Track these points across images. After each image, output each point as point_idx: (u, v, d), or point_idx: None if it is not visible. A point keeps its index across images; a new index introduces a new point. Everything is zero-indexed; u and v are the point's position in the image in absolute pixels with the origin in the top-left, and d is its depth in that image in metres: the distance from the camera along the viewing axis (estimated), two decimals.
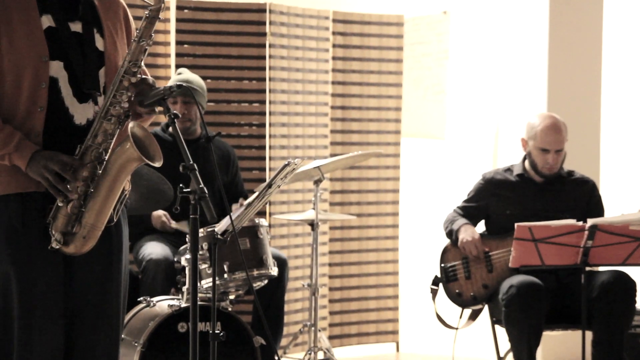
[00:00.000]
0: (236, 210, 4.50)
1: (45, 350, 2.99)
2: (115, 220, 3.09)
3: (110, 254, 3.10)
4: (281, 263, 4.91)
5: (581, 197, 4.82)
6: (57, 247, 2.98)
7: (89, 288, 3.07)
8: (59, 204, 2.98)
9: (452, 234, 4.81)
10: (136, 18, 3.13)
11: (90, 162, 2.98)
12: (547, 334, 4.77)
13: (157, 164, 3.01)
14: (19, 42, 2.98)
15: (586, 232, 4.35)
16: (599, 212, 4.81)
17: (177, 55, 5.71)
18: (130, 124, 2.97)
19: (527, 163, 4.83)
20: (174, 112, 3.05)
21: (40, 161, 2.95)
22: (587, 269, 4.45)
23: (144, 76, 3.03)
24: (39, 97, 2.98)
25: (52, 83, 3.01)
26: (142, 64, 3.03)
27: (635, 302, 4.53)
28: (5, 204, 3.01)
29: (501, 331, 4.58)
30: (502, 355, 4.65)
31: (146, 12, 3.01)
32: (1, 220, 3.00)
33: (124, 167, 2.98)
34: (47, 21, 3.03)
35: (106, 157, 2.99)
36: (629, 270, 4.58)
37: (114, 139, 3.01)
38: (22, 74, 2.98)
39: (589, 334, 4.49)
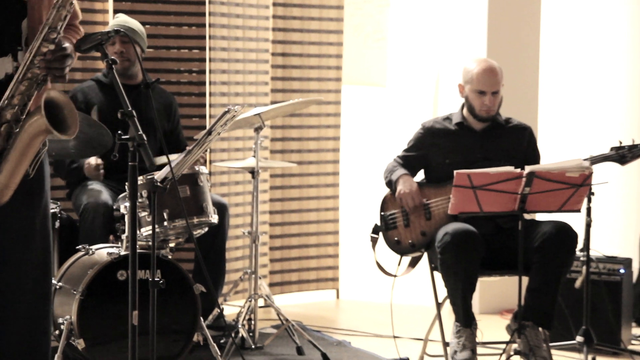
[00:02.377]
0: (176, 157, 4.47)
1: None
2: (31, 175, 3.05)
3: (30, 207, 3.06)
4: (221, 209, 4.89)
5: (519, 143, 4.86)
6: None
7: (8, 243, 3.03)
8: None
9: (391, 185, 4.83)
10: None
11: (6, 122, 2.93)
12: (483, 280, 4.83)
13: (69, 137, 2.97)
14: None
15: (524, 179, 4.39)
16: (535, 158, 4.86)
17: (116, 0, 5.62)
18: (46, 95, 2.91)
19: (465, 110, 4.85)
20: (112, 57, 3.02)
21: None
22: (525, 215, 4.50)
23: (64, 45, 2.97)
24: None
25: None
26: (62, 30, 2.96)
27: (575, 253, 4.59)
28: None
29: (439, 278, 4.63)
30: (440, 301, 4.71)
31: None
32: None
33: (35, 136, 2.95)
34: None
35: (23, 117, 2.95)
36: (570, 220, 4.64)
37: (32, 100, 2.96)
38: None
39: (525, 280, 4.56)
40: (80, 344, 4.18)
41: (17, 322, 3.07)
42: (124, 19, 5.02)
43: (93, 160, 4.85)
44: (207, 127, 4.36)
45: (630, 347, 5.21)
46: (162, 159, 4.64)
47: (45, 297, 3.12)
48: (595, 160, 4.73)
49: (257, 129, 4.94)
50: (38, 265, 3.09)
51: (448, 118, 4.91)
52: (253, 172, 4.96)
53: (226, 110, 4.18)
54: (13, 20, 2.99)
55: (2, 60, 2.99)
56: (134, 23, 5.03)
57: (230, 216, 5.18)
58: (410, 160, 4.89)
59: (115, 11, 5.48)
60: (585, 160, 4.58)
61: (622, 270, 5.23)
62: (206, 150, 4.68)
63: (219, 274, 5.06)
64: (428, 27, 6.52)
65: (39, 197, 3.09)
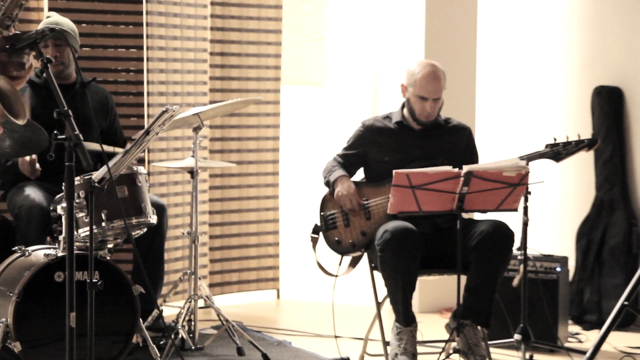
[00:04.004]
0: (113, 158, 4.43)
1: None
2: None
3: None
4: (160, 209, 4.86)
5: (458, 143, 4.90)
6: None
7: None
8: None
9: (329, 185, 4.84)
10: None
11: None
12: (423, 279, 4.85)
13: (21, 122, 2.93)
14: None
15: (462, 179, 4.42)
16: (474, 158, 4.91)
17: None
18: None
19: (405, 110, 4.87)
20: (47, 56, 2.98)
21: None
22: (463, 215, 4.53)
23: (17, 32, 2.93)
24: None
25: None
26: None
27: (511, 252, 4.63)
28: None
29: (379, 277, 4.64)
30: (380, 301, 4.72)
31: None
32: None
33: None
34: None
35: None
36: (507, 219, 4.69)
37: None
38: None
39: (464, 279, 4.59)
40: (16, 346, 4.12)
41: None
42: (55, 20, 4.94)
43: (27, 157, 4.78)
44: (145, 127, 4.32)
45: (566, 345, 5.28)
46: (90, 145, 4.56)
47: None
48: (531, 157, 4.78)
49: (196, 129, 4.91)
50: None
51: (388, 117, 4.93)
52: (192, 172, 4.93)
53: (164, 109, 4.15)
54: None
55: None
56: (66, 23, 4.95)
57: (169, 217, 5.15)
58: (349, 158, 4.90)
59: (50, 9, 5.41)
60: (520, 158, 4.63)
61: (558, 269, 5.29)
62: (144, 150, 4.64)
63: (158, 274, 5.03)
64: (366, 27, 6.55)
65: None
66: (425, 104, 4.76)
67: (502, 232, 4.59)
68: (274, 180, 6.31)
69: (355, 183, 4.83)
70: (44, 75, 2.98)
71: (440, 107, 4.82)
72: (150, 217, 4.54)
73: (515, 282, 5.07)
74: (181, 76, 5.86)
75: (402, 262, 4.50)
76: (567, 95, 6.32)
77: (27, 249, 4.38)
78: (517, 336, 4.87)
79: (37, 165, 4.78)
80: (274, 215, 6.32)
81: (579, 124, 6.14)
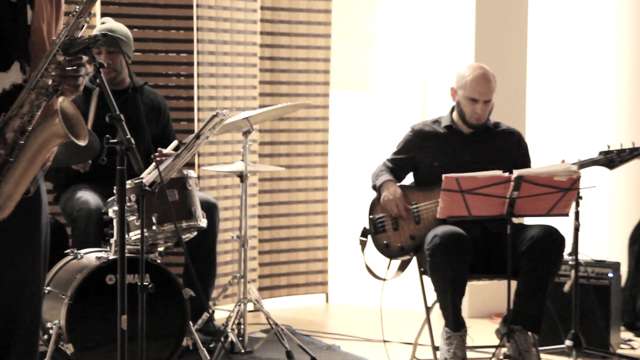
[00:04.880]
0: (164, 161, 4.46)
1: None
2: (32, 192, 3.04)
3: (28, 227, 3.05)
4: (211, 208, 4.88)
5: (508, 148, 4.87)
6: None
7: (5, 263, 3.02)
8: None
9: (376, 190, 4.84)
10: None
11: (12, 132, 2.92)
12: (473, 284, 4.82)
13: (82, 143, 2.96)
14: None
15: (512, 183, 4.39)
16: (527, 162, 4.87)
17: (103, 3, 5.60)
18: (60, 99, 2.92)
19: (455, 114, 4.85)
20: (100, 61, 3.01)
21: None
22: (514, 219, 4.50)
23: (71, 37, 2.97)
24: None
25: None
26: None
27: (562, 257, 4.60)
28: None
29: (428, 282, 4.63)
30: (429, 305, 4.70)
31: None
32: None
33: (48, 141, 2.94)
34: None
35: (29, 129, 2.94)
36: (558, 224, 4.65)
37: (40, 111, 2.95)
38: None
39: (514, 284, 4.56)
40: (69, 348, 4.17)
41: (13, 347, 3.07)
42: (110, 26, 4.98)
43: None
44: (196, 131, 4.35)
45: (618, 351, 5.22)
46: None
47: (36, 316, 3.11)
48: (584, 164, 4.74)
49: (246, 133, 4.93)
50: (34, 286, 3.08)
51: (437, 121, 4.91)
52: (242, 176, 4.95)
53: (214, 114, 4.18)
54: (20, 32, 2.99)
55: (1, 75, 2.98)
56: (120, 29, 4.99)
57: (219, 220, 5.16)
58: (398, 163, 4.90)
59: (103, 14, 5.46)
60: (573, 164, 4.59)
61: (610, 274, 5.23)
62: (194, 154, 4.67)
63: (210, 274, 5.04)
64: (416, 31, 6.53)
65: (37, 218, 3.08)
66: (475, 106, 4.74)
67: (553, 238, 4.56)
68: (323, 184, 6.31)
69: (405, 187, 4.83)
70: (97, 80, 3.01)
71: (490, 111, 4.80)
72: (200, 220, 4.56)
73: (566, 287, 5.02)
74: (231, 80, 5.89)
75: (451, 267, 4.48)
76: (618, 100, 6.25)
77: (79, 251, 4.43)
78: (568, 342, 4.83)
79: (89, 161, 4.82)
80: (322, 219, 6.32)
81: (630, 128, 6.07)
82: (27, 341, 3.07)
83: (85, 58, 3.03)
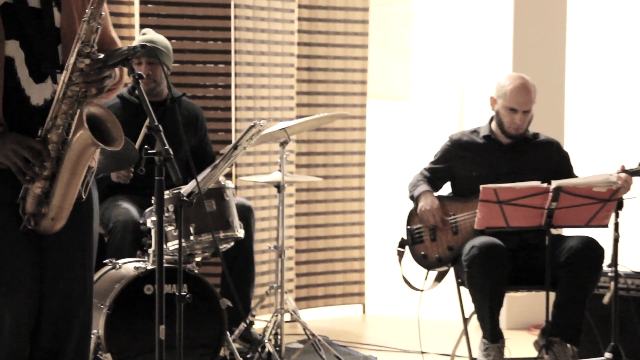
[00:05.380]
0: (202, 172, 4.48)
1: (17, 317, 2.97)
2: (84, 197, 3.06)
3: (81, 232, 3.08)
4: (247, 212, 4.88)
5: (547, 158, 4.84)
6: (29, 227, 2.96)
7: (59, 266, 3.05)
8: (27, 186, 2.95)
9: (413, 200, 4.83)
10: None
11: (53, 144, 2.95)
12: (511, 295, 4.80)
13: (116, 148, 2.97)
14: None
15: (550, 194, 4.37)
16: (570, 170, 4.83)
17: (142, 15, 5.64)
18: (85, 110, 2.92)
19: (494, 123, 4.83)
20: (139, 72, 3.02)
21: (8, 144, 2.91)
22: (552, 230, 4.47)
23: (100, 56, 2.95)
24: None
25: (8, 63, 2.94)
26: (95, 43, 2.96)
27: (601, 269, 4.56)
28: None
29: (466, 293, 4.60)
30: (467, 316, 4.68)
31: None
32: None
33: (82, 152, 2.95)
34: None
35: (69, 138, 2.96)
36: (597, 235, 4.61)
37: (75, 119, 2.96)
38: None
39: (552, 296, 4.53)
40: (107, 358, 4.19)
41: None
42: (150, 37, 5.02)
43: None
44: (233, 142, 4.36)
45: None
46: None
47: (87, 321, 3.13)
48: (632, 172, 4.67)
49: (283, 144, 4.94)
50: (86, 291, 3.11)
51: (475, 131, 4.90)
52: (279, 186, 4.96)
53: (252, 124, 4.19)
54: (50, 45, 3.00)
55: (40, 87, 2.99)
56: (160, 40, 5.02)
57: (256, 231, 5.17)
58: (436, 173, 4.88)
59: (142, 26, 5.50)
60: (620, 172, 4.52)
61: None
62: (232, 165, 4.68)
63: (248, 279, 5.04)
64: (453, 41, 6.52)
65: (89, 222, 3.11)
66: (514, 116, 4.72)
67: (592, 249, 4.52)
68: (359, 194, 6.30)
69: (442, 198, 4.81)
70: (136, 91, 3.02)
71: (530, 121, 4.78)
72: (237, 231, 4.58)
73: (605, 299, 4.97)
74: (268, 91, 5.90)
75: (489, 278, 4.46)
76: None
77: (117, 261, 4.45)
78: (607, 355, 4.77)
79: (131, 173, 4.85)
80: (359, 229, 6.31)
81: None
82: (79, 345, 3.10)
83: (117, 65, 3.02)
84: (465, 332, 4.66)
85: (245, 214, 4.81)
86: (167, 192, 4.23)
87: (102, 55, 2.96)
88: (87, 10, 2.93)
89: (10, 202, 2.97)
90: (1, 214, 2.96)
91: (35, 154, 2.91)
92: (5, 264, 2.95)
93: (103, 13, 2.94)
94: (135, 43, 5.16)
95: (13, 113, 2.96)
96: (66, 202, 2.97)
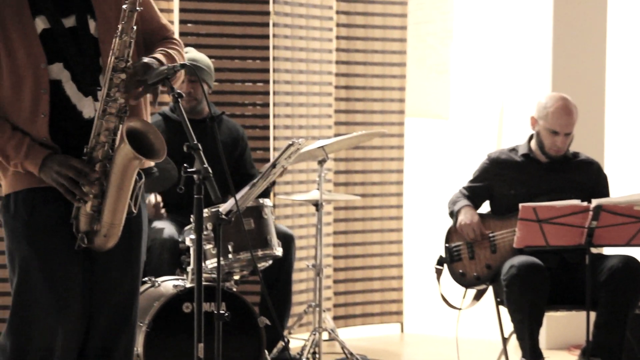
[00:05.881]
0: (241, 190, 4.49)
1: (68, 334, 3.00)
2: (135, 212, 3.08)
3: (129, 248, 3.10)
4: (287, 239, 4.89)
5: (586, 178, 4.81)
6: (83, 245, 2.99)
7: (108, 284, 3.07)
8: (78, 205, 2.99)
9: (453, 216, 4.81)
10: None
11: (99, 161, 2.98)
12: (551, 315, 4.76)
13: (159, 160, 2.99)
14: (16, 48, 2.96)
15: (591, 213, 4.34)
16: (606, 193, 4.80)
17: (181, 34, 5.68)
18: (125, 126, 2.95)
19: (533, 142, 4.81)
20: (178, 91, 3.04)
21: (53, 167, 2.95)
22: (592, 249, 4.44)
23: (135, 64, 2.98)
24: (40, 103, 2.97)
25: (55, 85, 2.99)
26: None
27: None
28: (25, 198, 3.01)
29: (505, 312, 4.57)
30: (506, 336, 4.65)
31: (124, 7, 2.97)
32: (21, 213, 3.01)
33: (126, 166, 2.97)
34: (41, 23, 3.00)
35: (113, 153, 2.99)
36: (638, 254, 4.57)
37: (118, 135, 3.00)
38: (21, 82, 2.96)
39: (593, 315, 4.49)
40: None
41: None
42: (192, 56, 5.05)
43: (152, 198, 4.87)
44: (272, 160, 4.38)
45: None
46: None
47: (131, 339, 3.16)
48: None
49: (321, 162, 4.95)
50: (132, 306, 3.13)
51: (514, 149, 4.88)
52: (317, 204, 4.96)
53: (290, 143, 4.20)
54: (91, 62, 3.04)
55: (90, 99, 3.04)
56: (202, 59, 5.06)
57: (296, 251, 5.17)
58: (475, 191, 4.87)
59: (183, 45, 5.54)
60: None
61: None
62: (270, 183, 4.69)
63: (285, 305, 5.05)
64: (491, 59, 6.50)
65: (137, 238, 3.13)
66: (556, 139, 4.69)
67: (632, 268, 4.48)
68: (397, 213, 6.29)
69: (481, 215, 4.79)
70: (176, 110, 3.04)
71: (570, 142, 4.75)
72: (275, 249, 4.58)
73: None
74: (306, 109, 5.92)
75: (528, 297, 4.43)
76: None
77: (156, 279, 4.47)
78: None
79: (163, 210, 4.87)
80: (397, 248, 6.30)
81: None
82: None
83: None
84: (505, 351, 4.63)
85: (287, 242, 4.81)
86: (205, 210, 4.25)
87: (146, 60, 2.99)
88: (118, 26, 2.96)
89: (64, 221, 3.00)
90: (55, 233, 3.00)
91: (78, 172, 2.94)
92: (59, 283, 2.98)
93: (134, 27, 2.97)
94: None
95: (68, 128, 3.01)
96: (116, 218, 2.99)
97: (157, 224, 4.84)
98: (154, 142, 2.98)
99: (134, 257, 3.12)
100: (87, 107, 3.03)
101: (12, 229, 3.02)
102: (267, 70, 5.75)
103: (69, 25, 3.02)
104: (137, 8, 2.97)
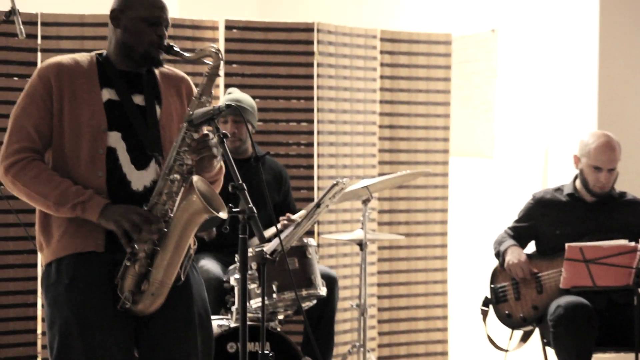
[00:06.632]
0: (285, 230, 4.50)
1: None
2: (182, 279, 3.12)
3: (175, 315, 3.12)
4: (331, 281, 4.89)
5: (633, 217, 4.76)
6: (127, 306, 3.02)
7: (161, 348, 3.09)
8: (127, 264, 3.03)
9: (499, 256, 4.78)
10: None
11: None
12: (599, 357, 4.70)
13: (222, 215, 3.04)
14: (80, 113, 3.10)
15: (638, 253, 4.29)
16: None
17: (226, 74, 5.73)
18: (194, 178, 3.02)
19: (578, 182, 4.78)
20: (223, 132, 3.08)
21: (117, 211, 3.03)
22: None
23: (204, 133, 3.12)
24: (97, 163, 3.09)
25: (111, 152, 3.11)
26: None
27: None
28: (68, 263, 3.07)
29: (552, 353, 4.52)
30: None
31: (206, 70, 3.10)
32: (62, 279, 3.05)
33: (190, 220, 3.03)
34: (107, 94, 3.15)
35: (172, 215, 3.05)
36: None
37: (179, 196, 3.07)
38: (80, 142, 3.09)
39: None
40: None
41: None
42: (236, 96, 5.10)
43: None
44: (316, 200, 4.38)
45: None
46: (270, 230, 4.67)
47: None
48: None
49: (365, 201, 4.94)
50: None
51: (559, 189, 4.85)
52: (361, 244, 4.96)
53: (335, 182, 4.20)
54: (154, 135, 3.16)
55: (141, 174, 3.15)
56: (246, 99, 5.10)
57: (339, 291, 5.16)
58: (520, 231, 4.84)
59: (227, 86, 5.59)
60: None
61: None
62: (314, 223, 4.70)
63: (328, 346, 5.04)
64: (536, 98, 6.47)
65: (187, 305, 3.16)
66: (599, 175, 4.66)
67: None
68: (442, 252, 6.26)
69: (527, 256, 4.75)
70: (221, 151, 3.08)
71: (615, 179, 4.71)
72: (319, 289, 4.57)
73: None
74: (351, 149, 5.93)
75: (576, 339, 4.38)
76: None
77: None
78: None
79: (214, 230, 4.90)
80: (442, 288, 6.26)
81: None
82: None
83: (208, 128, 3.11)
84: None
85: (330, 284, 4.81)
86: (250, 249, 4.25)
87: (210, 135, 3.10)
88: (197, 89, 3.13)
89: (106, 285, 3.04)
90: (97, 297, 3.04)
91: (143, 218, 3.00)
92: (98, 349, 3.01)
93: (212, 92, 3.08)
94: (220, 102, 5.26)
95: (115, 196, 3.10)
96: (168, 277, 3.03)
97: (202, 263, 4.86)
98: (213, 202, 3.06)
99: (187, 324, 3.14)
100: (136, 180, 3.12)
101: (54, 296, 3.07)
102: (312, 110, 5.78)
103: (137, 102, 3.18)
104: (219, 73, 3.13)
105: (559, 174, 5.93)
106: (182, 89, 3.28)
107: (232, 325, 4.30)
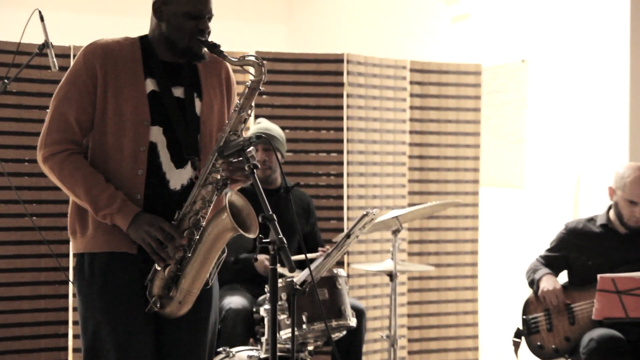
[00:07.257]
0: (315, 260, 4.50)
1: None
2: (210, 284, 3.13)
3: (201, 319, 3.13)
4: (359, 314, 4.87)
5: None
6: (155, 309, 3.03)
7: (176, 351, 3.09)
8: (157, 268, 3.03)
9: (533, 284, 4.75)
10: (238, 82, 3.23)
11: (187, 229, 3.04)
12: None
13: (252, 235, 3.04)
14: (124, 105, 3.05)
15: None
16: None
17: (256, 105, 5.75)
18: (228, 194, 3.01)
19: (612, 213, 4.74)
20: (254, 162, 3.08)
21: (143, 226, 3.01)
22: None
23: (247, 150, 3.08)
24: (139, 160, 3.06)
25: (151, 147, 3.08)
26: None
27: None
28: (102, 262, 3.07)
29: None
30: None
31: (247, 83, 3.08)
32: (96, 279, 3.06)
33: (219, 236, 3.03)
34: (150, 85, 3.10)
35: (203, 224, 3.05)
36: None
37: (212, 205, 3.06)
38: (123, 136, 3.06)
39: None
40: None
41: None
42: (265, 126, 5.13)
43: (263, 256, 4.89)
44: (346, 230, 4.38)
45: None
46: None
47: None
48: None
49: (395, 232, 4.93)
50: None
51: (592, 219, 4.82)
52: (391, 275, 4.94)
53: (365, 213, 4.20)
54: (192, 133, 3.12)
55: (180, 172, 3.13)
56: (275, 129, 5.13)
57: (368, 319, 5.15)
58: (552, 261, 4.81)
59: (257, 116, 5.62)
60: None
61: None
62: (344, 254, 4.68)
63: None
64: (567, 128, 6.45)
65: (207, 310, 3.16)
66: (634, 209, 4.63)
67: None
68: (472, 283, 6.23)
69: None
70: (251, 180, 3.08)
71: None
72: (349, 319, 4.56)
73: None
74: (380, 179, 5.92)
75: None
76: None
77: (230, 350, 4.47)
78: None
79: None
80: (473, 318, 6.22)
81: None
82: None
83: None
84: None
85: (358, 316, 4.80)
86: (280, 280, 4.25)
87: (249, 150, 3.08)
88: (238, 101, 3.09)
89: (138, 286, 3.04)
90: (128, 300, 3.04)
91: (167, 236, 2.99)
92: (127, 350, 3.01)
93: (253, 105, 3.07)
94: (250, 132, 5.28)
95: (153, 194, 3.08)
96: (195, 286, 3.03)
97: (233, 294, 4.86)
98: (246, 219, 3.04)
99: (203, 328, 3.14)
100: (174, 178, 3.09)
101: (87, 295, 3.07)
102: (341, 141, 5.79)
103: (177, 95, 3.12)
104: (260, 88, 3.07)
105: (590, 204, 5.89)
106: (222, 74, 3.23)
107: (262, 356, 4.28)
